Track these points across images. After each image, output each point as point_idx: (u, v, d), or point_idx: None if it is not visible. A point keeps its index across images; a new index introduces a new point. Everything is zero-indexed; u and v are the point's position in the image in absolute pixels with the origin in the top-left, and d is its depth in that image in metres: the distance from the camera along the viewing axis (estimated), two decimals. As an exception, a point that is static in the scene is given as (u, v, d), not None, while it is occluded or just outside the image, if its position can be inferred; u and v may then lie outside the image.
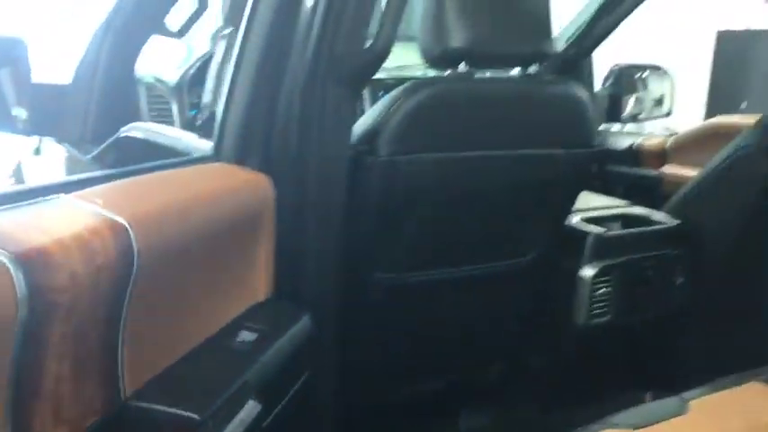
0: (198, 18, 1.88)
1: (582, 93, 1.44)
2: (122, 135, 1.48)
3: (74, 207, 0.75)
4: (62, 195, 0.78)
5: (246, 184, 1.01)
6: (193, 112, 2.04)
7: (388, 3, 1.01)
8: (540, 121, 1.34)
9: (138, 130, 1.47)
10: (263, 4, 1.02)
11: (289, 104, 1.02)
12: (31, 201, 0.76)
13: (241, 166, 1.03)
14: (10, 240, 0.64)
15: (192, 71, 2.04)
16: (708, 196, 1.70)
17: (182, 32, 1.94)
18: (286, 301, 1.07)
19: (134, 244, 0.73)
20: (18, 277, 0.61)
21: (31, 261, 0.63)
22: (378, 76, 2.33)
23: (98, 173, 0.98)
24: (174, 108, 2.00)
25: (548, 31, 1.30)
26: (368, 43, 1.04)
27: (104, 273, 0.70)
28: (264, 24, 1.02)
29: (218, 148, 1.07)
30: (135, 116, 1.97)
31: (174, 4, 1.88)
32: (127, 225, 0.73)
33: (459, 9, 1.19)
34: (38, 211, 0.74)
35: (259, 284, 1.04)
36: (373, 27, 1.05)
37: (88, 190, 0.79)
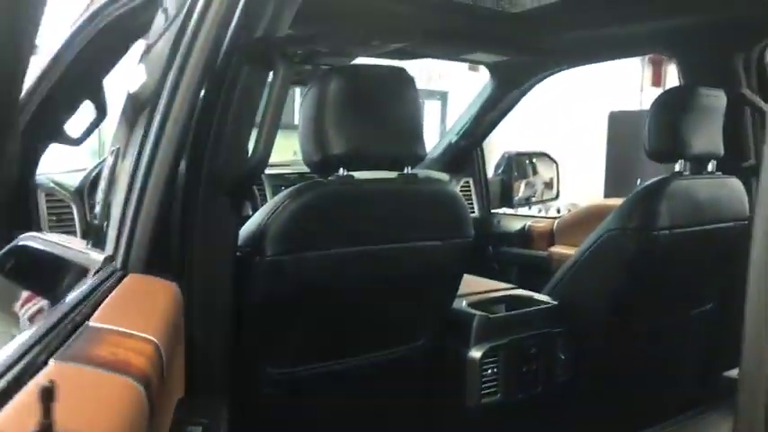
0: (97, 126, 1.94)
1: (452, 189, 1.58)
2: (19, 244, 1.50)
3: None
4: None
5: (166, 296, 1.03)
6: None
7: (263, 120, 1.11)
8: (418, 216, 1.45)
9: (33, 239, 1.50)
10: (153, 126, 1.11)
11: (179, 215, 1.09)
12: None
13: (152, 277, 1.06)
14: None
15: (93, 174, 2.08)
16: (582, 276, 1.84)
17: (80, 141, 2.00)
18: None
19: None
20: None
21: None
22: (280, 171, 2.45)
23: None
24: (75, 213, 2.02)
25: (419, 136, 1.43)
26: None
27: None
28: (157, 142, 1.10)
29: (121, 259, 1.09)
30: (34, 222, 1.99)
31: (73, 113, 1.94)
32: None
33: (336, 119, 1.30)
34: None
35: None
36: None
37: None
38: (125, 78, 1.35)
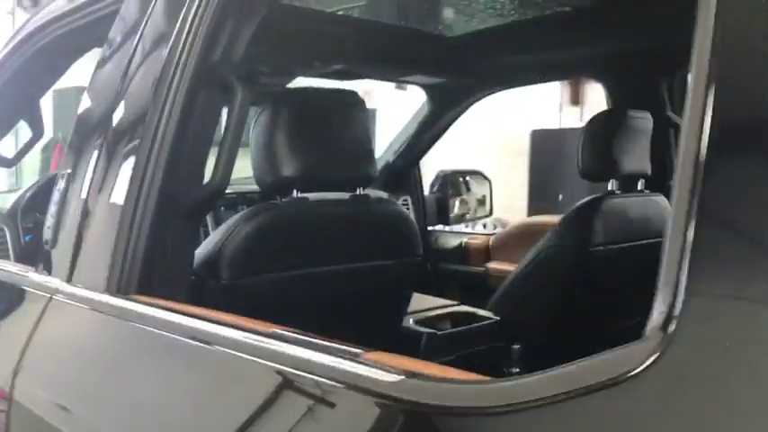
0: (31, 147, 1.89)
1: (402, 209, 1.62)
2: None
3: None
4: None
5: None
6: (29, 237, 2.01)
7: (221, 146, 1.11)
8: (369, 236, 1.48)
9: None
10: (104, 150, 1.10)
11: (137, 238, 1.08)
12: None
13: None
14: None
15: (26, 196, 2.02)
16: (523, 291, 1.90)
17: (14, 162, 1.94)
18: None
19: None
20: None
21: None
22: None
23: None
24: (8, 236, 1.95)
25: (371, 157, 1.46)
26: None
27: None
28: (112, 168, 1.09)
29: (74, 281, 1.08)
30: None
31: (6, 134, 1.89)
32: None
33: (288, 142, 1.31)
34: None
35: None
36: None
37: None
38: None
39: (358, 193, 1.46)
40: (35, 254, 1.52)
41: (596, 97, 2.40)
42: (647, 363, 0.47)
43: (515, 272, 1.96)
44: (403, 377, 0.63)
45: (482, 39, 2.14)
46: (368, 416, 0.65)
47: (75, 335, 1.09)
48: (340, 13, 2.00)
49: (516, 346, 1.82)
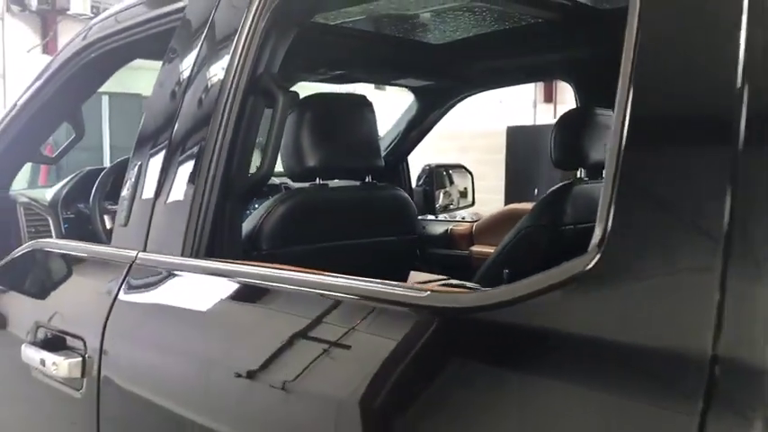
0: (74, 145, 2.15)
1: (404, 194, 1.91)
2: (24, 252, 1.70)
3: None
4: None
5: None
6: (65, 226, 2.27)
7: (267, 142, 1.39)
8: (377, 216, 1.78)
9: (44, 245, 1.71)
10: (173, 145, 1.38)
11: (204, 214, 1.33)
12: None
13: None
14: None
15: (65, 190, 2.28)
16: (503, 267, 2.20)
17: (56, 160, 2.19)
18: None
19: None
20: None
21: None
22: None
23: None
24: (51, 225, 2.21)
25: (378, 151, 1.75)
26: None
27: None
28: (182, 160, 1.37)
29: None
30: (14, 234, 2.16)
31: (51, 135, 2.14)
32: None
33: (312, 138, 1.61)
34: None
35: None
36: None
37: None
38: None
39: (367, 180, 1.75)
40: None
41: (569, 96, 2.69)
42: (590, 266, 0.76)
43: (496, 250, 2.25)
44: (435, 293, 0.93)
45: (464, 45, 2.44)
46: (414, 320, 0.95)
47: (156, 291, 1.36)
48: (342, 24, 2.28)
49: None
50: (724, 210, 0.67)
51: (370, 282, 1.02)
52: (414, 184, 3.30)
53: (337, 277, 1.07)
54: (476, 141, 9.64)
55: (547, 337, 0.81)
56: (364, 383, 0.94)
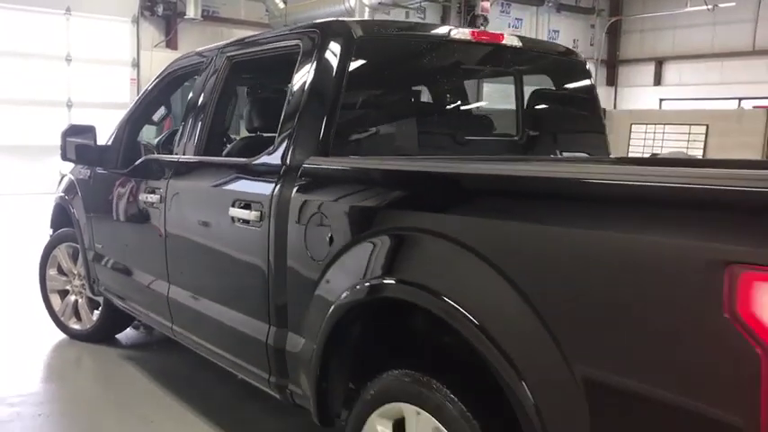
0: (167, 116, 4.59)
1: None
2: (143, 161, 4.12)
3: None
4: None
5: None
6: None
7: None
8: None
9: (153, 157, 4.13)
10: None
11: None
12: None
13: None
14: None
15: (162, 139, 4.76)
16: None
17: (158, 123, 4.67)
18: None
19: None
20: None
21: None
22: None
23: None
24: (154, 151, 4.66)
25: None
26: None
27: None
28: None
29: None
30: (138, 154, 4.62)
31: (158, 109, 4.58)
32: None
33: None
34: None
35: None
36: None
37: None
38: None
39: None
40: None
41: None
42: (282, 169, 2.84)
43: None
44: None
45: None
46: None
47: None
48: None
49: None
50: None
51: None
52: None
53: None
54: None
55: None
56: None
